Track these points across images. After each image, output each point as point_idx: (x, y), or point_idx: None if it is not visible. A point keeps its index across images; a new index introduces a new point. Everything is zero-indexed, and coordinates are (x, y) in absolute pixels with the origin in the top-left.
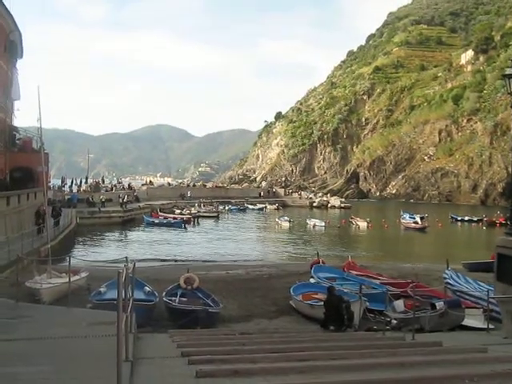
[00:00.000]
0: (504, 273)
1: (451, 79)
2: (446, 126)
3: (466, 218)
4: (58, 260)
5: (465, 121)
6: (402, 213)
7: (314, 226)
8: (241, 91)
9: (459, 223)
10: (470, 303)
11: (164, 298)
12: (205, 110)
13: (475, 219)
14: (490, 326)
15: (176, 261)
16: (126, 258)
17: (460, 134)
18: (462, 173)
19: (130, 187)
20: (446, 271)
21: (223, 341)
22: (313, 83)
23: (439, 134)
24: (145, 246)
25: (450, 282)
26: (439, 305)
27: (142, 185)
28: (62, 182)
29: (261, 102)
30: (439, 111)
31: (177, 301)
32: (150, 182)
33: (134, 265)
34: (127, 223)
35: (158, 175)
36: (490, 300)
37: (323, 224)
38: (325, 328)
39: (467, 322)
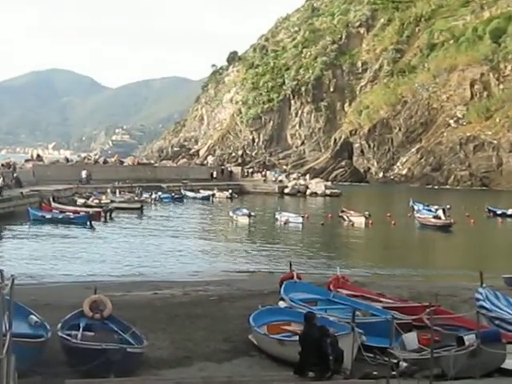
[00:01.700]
0: None
1: (490, 5)
2: (482, 74)
3: (510, 212)
4: None
5: (509, 67)
6: (411, 203)
7: (287, 222)
8: (177, 22)
9: (500, 218)
10: None
11: (59, 333)
12: (122, 49)
13: None
14: None
15: (77, 277)
16: (1, 272)
17: (502, 86)
18: (505, 144)
19: (6, 165)
20: (480, 290)
21: None
22: (284, 9)
23: (471, 86)
24: (30, 254)
25: (486, 305)
26: (469, 339)
27: (26, 161)
28: None
29: (206, 39)
30: (471, 53)
31: (79, 336)
32: (38, 156)
33: (13, 282)
34: (3, 219)
35: (51, 146)
36: None
37: (300, 220)
38: (301, 375)
39: (510, 363)
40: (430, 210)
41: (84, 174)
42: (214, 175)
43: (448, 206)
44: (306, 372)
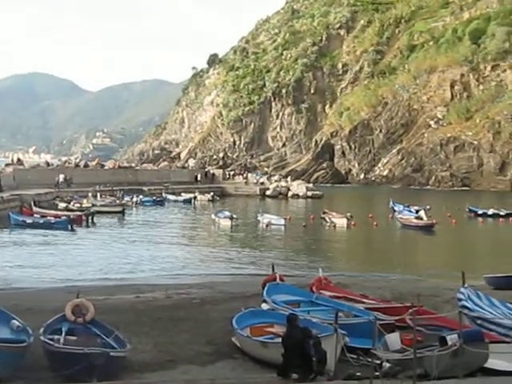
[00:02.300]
0: None
1: (469, 6)
2: (462, 75)
3: (491, 212)
4: None
5: (488, 68)
6: (391, 203)
7: (269, 224)
8: (157, 25)
9: (480, 218)
10: (497, 336)
11: (42, 337)
12: (102, 52)
13: (503, 213)
14: None
15: (59, 281)
16: None
17: (482, 87)
18: (485, 145)
19: None
20: (462, 289)
21: None
22: (265, 11)
23: (451, 87)
24: (11, 258)
25: (468, 305)
26: (452, 339)
27: (6, 165)
28: None
29: (187, 41)
30: (451, 54)
31: (61, 340)
32: (19, 160)
33: None
34: None
35: (31, 150)
36: None
37: (282, 222)
38: (284, 377)
39: (492, 363)
40: (410, 211)
41: (61, 177)
42: (199, 178)
43: (428, 207)
44: (290, 374)
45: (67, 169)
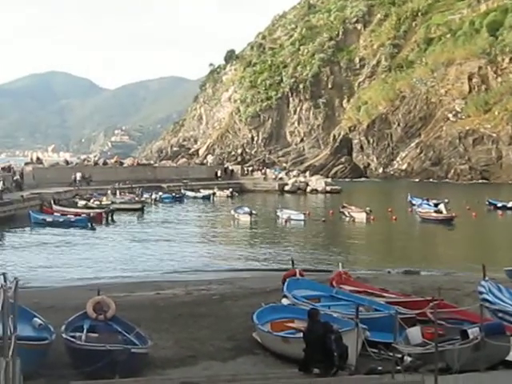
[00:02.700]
0: None
1: None
2: (480, 68)
3: (511, 204)
4: None
5: (507, 60)
6: (409, 197)
7: (288, 220)
8: (173, 23)
9: (500, 211)
10: None
11: (64, 335)
12: (120, 51)
13: None
14: None
15: (80, 279)
16: (4, 275)
17: (500, 79)
18: (504, 137)
19: (7, 168)
20: (483, 283)
21: None
22: (281, 6)
23: (469, 80)
24: (32, 257)
25: (489, 298)
26: (473, 332)
27: (26, 164)
28: None
29: (203, 38)
30: (469, 46)
31: (83, 337)
32: (38, 159)
33: (17, 285)
34: (3, 223)
35: (50, 149)
36: None
37: (302, 217)
38: (306, 372)
39: None
40: (428, 205)
41: (78, 176)
42: (219, 174)
43: (446, 200)
44: (311, 369)
45: (86, 167)
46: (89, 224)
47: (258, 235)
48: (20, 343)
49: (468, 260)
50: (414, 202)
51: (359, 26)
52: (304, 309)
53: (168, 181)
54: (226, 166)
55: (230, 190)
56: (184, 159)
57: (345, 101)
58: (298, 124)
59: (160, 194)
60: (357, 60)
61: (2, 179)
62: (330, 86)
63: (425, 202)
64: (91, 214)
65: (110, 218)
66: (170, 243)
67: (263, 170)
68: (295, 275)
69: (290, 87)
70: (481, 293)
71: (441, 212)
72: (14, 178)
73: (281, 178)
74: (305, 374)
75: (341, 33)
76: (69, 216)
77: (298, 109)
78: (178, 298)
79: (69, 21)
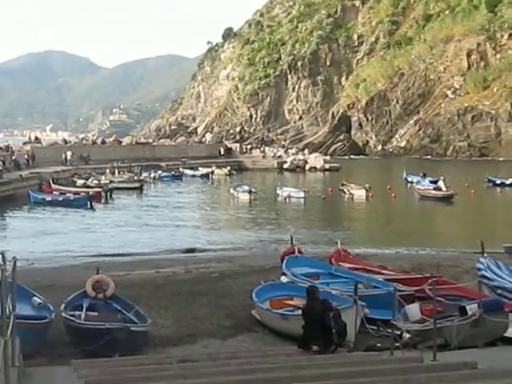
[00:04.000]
0: None
1: None
2: (479, 44)
3: (509, 181)
4: None
5: (505, 37)
6: (404, 174)
7: (288, 197)
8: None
9: (499, 188)
10: None
11: (63, 313)
12: (117, 28)
13: None
14: None
15: (79, 257)
16: (2, 254)
17: (499, 56)
18: (503, 114)
19: (5, 148)
20: (481, 259)
21: (154, 373)
22: None
23: (468, 56)
24: (32, 236)
25: (487, 274)
26: (471, 308)
27: (24, 143)
28: None
29: (201, 16)
30: (468, 23)
31: (82, 316)
32: (36, 138)
33: (15, 264)
34: (3, 202)
35: (48, 128)
36: None
37: (302, 195)
38: (305, 349)
39: None
40: (431, 182)
41: (69, 154)
42: (222, 152)
43: (442, 178)
44: (310, 346)
45: (84, 146)
46: (88, 203)
47: (258, 213)
48: (19, 322)
49: (467, 237)
50: (409, 179)
51: (357, 3)
52: (303, 286)
53: (167, 159)
54: (227, 144)
55: (229, 168)
56: (182, 138)
57: (343, 78)
58: (297, 102)
59: (159, 172)
60: (355, 37)
61: (3, 158)
62: (328, 64)
63: (421, 178)
64: (90, 193)
65: (108, 197)
66: (169, 222)
67: (262, 148)
68: (294, 253)
69: (289, 65)
70: (479, 269)
71: (440, 189)
72: (13, 158)
73: (279, 156)
74: (304, 351)
75: (339, 10)
76: (68, 195)
77: (297, 86)
78: (178, 276)
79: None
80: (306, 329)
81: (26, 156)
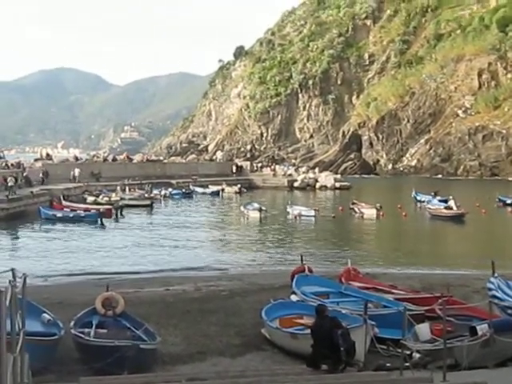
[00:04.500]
0: None
1: None
2: (490, 64)
3: None
4: None
5: None
6: (413, 193)
7: (299, 216)
8: (183, 18)
9: (510, 208)
10: None
11: (72, 330)
12: (129, 47)
13: None
14: None
15: (89, 274)
16: (13, 270)
17: (510, 75)
18: None
19: (16, 165)
20: (492, 279)
21: None
22: (290, 2)
23: (479, 76)
24: (42, 252)
25: (498, 294)
26: (482, 329)
27: (35, 160)
28: None
29: (213, 34)
30: (479, 43)
31: (92, 333)
32: (48, 155)
33: (25, 280)
34: (14, 219)
35: (60, 145)
36: None
37: (312, 213)
38: (314, 368)
39: None
40: (438, 201)
41: (76, 172)
42: (234, 170)
43: (451, 197)
44: (319, 364)
45: (96, 163)
46: (98, 220)
47: (268, 231)
48: (28, 339)
49: (477, 256)
50: (418, 198)
51: (369, 22)
52: (313, 305)
53: (177, 177)
54: (238, 163)
55: (239, 186)
56: (193, 155)
57: (354, 97)
58: (308, 120)
59: (169, 190)
60: (366, 56)
61: (13, 175)
62: (339, 82)
63: (432, 197)
64: (101, 210)
65: (119, 214)
66: (180, 240)
67: (272, 167)
68: (304, 271)
69: (300, 83)
70: (490, 289)
71: (451, 208)
72: (24, 174)
73: (290, 175)
74: (313, 371)
75: (350, 29)
76: (78, 211)
77: (308, 105)
78: (188, 294)
79: (76, 16)
80: (315, 347)
81: (40, 174)
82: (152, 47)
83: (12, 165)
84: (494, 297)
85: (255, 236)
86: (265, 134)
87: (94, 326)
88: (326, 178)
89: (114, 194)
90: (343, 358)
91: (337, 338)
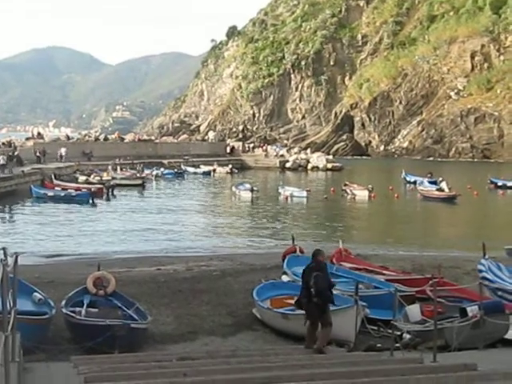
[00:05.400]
0: None
1: None
2: (482, 46)
3: (511, 183)
4: None
5: (510, 38)
6: (403, 174)
7: (290, 197)
8: None
9: (501, 190)
10: None
11: (64, 309)
12: (121, 24)
13: None
14: None
15: (80, 254)
16: (4, 249)
17: (503, 57)
18: (506, 116)
19: (8, 143)
20: (483, 261)
21: (154, 370)
22: None
23: (472, 58)
24: (33, 231)
25: (488, 276)
26: (472, 310)
27: (27, 139)
28: None
29: (205, 14)
30: (472, 24)
31: (83, 312)
32: (39, 134)
33: (17, 259)
34: (5, 198)
35: (51, 124)
36: None
37: (304, 194)
38: (297, 307)
39: None
40: (429, 182)
41: (63, 151)
42: (228, 151)
43: (441, 178)
44: (302, 306)
45: (87, 143)
46: (90, 199)
47: (260, 212)
48: (20, 318)
49: (468, 238)
50: (408, 179)
51: (362, 3)
52: None
53: (169, 157)
54: (231, 144)
55: (230, 166)
56: (185, 135)
57: (347, 78)
58: (300, 101)
59: (161, 169)
60: (359, 37)
61: (4, 154)
62: (331, 63)
63: (422, 178)
64: (92, 189)
65: (110, 194)
66: (171, 220)
67: (264, 147)
68: (295, 252)
69: (292, 64)
70: (480, 271)
71: (443, 190)
72: (15, 154)
73: (282, 155)
74: (305, 350)
75: (343, 9)
76: (70, 191)
77: (300, 86)
78: (179, 273)
79: None
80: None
81: (37, 153)
82: (145, 27)
83: (3, 143)
84: (485, 278)
85: (247, 216)
86: (257, 115)
87: (85, 306)
88: (318, 159)
89: (105, 174)
90: (313, 298)
91: (310, 279)
